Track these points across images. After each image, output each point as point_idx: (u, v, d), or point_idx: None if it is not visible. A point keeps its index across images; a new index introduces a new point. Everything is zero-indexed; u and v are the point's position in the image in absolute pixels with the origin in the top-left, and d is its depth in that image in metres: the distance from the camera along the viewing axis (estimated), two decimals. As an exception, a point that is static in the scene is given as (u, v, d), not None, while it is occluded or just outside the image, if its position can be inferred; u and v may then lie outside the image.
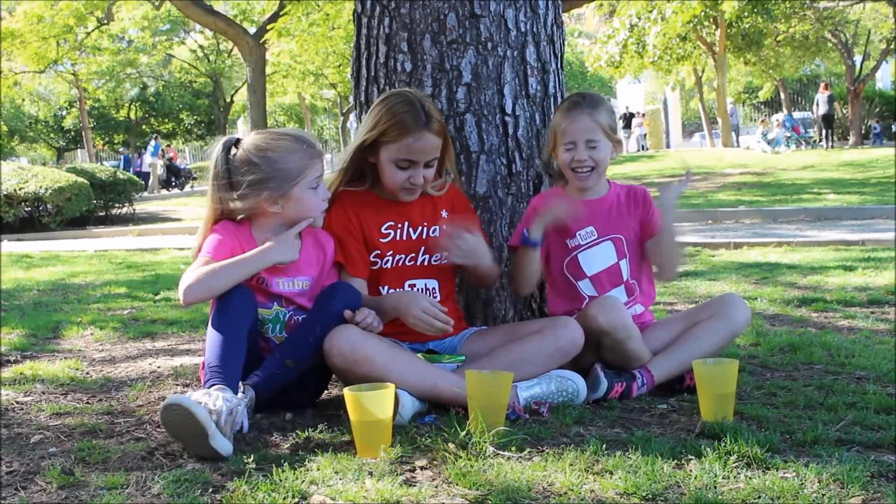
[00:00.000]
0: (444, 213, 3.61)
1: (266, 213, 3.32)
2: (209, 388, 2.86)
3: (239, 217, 3.37)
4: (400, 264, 3.53)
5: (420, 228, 3.57)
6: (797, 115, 35.64)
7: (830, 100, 31.21)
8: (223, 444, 2.69)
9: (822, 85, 33.42)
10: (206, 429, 2.64)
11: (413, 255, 3.55)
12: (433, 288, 3.57)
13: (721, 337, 3.51)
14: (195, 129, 53.29)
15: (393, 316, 3.31)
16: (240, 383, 2.99)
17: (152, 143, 36.76)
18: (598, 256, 3.65)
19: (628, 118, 40.40)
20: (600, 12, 35.37)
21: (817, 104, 31.30)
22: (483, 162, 3.86)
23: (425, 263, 3.57)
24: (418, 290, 3.54)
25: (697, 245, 9.96)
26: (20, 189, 19.89)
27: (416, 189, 3.49)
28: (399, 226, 3.55)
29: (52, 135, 54.94)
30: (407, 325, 3.27)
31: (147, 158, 35.62)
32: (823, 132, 31.10)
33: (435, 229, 3.57)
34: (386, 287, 3.51)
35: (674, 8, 28.41)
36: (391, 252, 3.53)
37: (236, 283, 3.12)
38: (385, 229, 3.54)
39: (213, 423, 2.67)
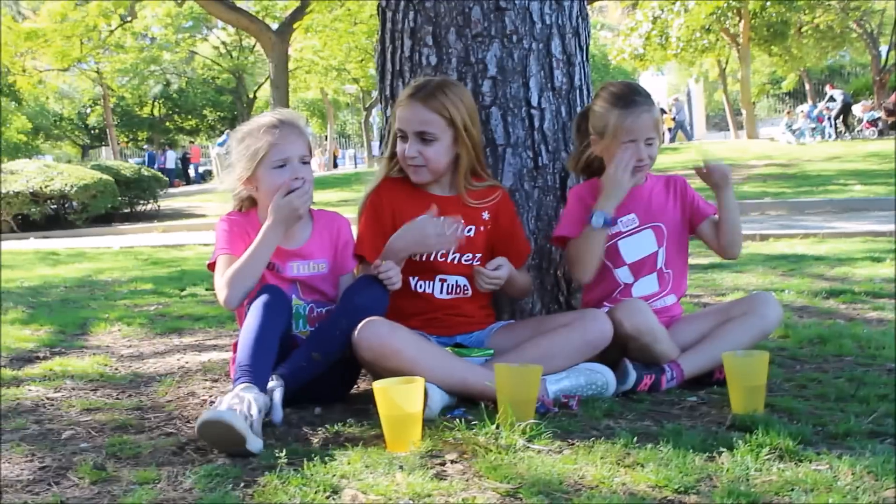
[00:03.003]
0: (485, 216, 3.58)
1: (258, 199, 3.39)
2: (237, 385, 2.87)
3: (242, 207, 3.48)
4: (432, 259, 3.49)
5: (455, 225, 3.50)
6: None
7: (843, 94, 31.03)
8: (256, 445, 2.69)
9: (829, 85, 33.45)
10: (244, 438, 2.65)
11: (443, 252, 3.52)
12: (464, 285, 3.55)
13: (753, 335, 3.48)
14: (218, 126, 53.45)
15: (406, 258, 3.38)
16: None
17: (223, 136, 37.01)
18: (638, 244, 3.63)
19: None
20: (623, 4, 35.30)
21: (832, 98, 30.93)
22: (509, 155, 3.85)
23: (455, 262, 3.53)
24: (449, 285, 3.53)
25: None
26: (46, 187, 20.06)
27: (415, 167, 3.47)
28: None
29: (76, 132, 55.32)
30: (431, 249, 3.36)
31: (214, 149, 35.84)
32: (834, 123, 30.63)
33: (471, 229, 3.52)
34: (416, 279, 3.49)
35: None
36: None
37: (263, 266, 3.23)
38: None
39: (249, 430, 2.68)
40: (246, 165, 3.31)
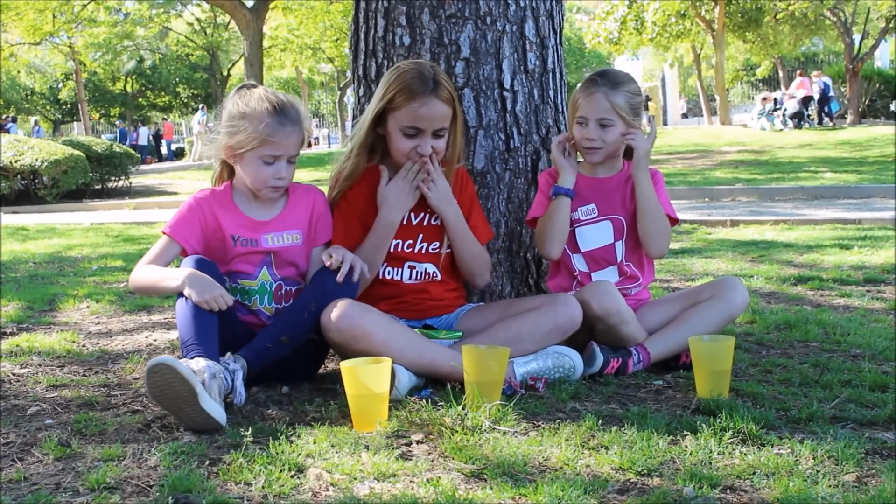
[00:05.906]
0: None
1: (237, 171, 3.37)
2: (189, 359, 2.86)
3: (221, 178, 3.46)
4: (399, 250, 3.50)
5: (422, 215, 3.52)
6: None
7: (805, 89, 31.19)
8: (213, 407, 2.68)
9: (799, 73, 33.61)
10: (193, 386, 2.63)
11: (411, 241, 3.51)
12: (433, 272, 3.55)
13: (719, 319, 3.51)
14: (192, 103, 53.10)
15: (395, 225, 3.43)
16: (230, 354, 3.00)
17: (199, 112, 36.74)
18: (594, 234, 3.64)
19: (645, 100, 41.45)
20: (599, -12, 35.25)
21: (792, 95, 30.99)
22: (481, 137, 3.84)
23: (423, 252, 3.54)
24: (418, 272, 3.53)
25: (694, 222, 9.96)
26: (16, 161, 19.86)
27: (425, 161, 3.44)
28: None
29: (48, 107, 54.81)
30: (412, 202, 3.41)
31: (194, 126, 35.66)
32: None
33: (437, 218, 3.51)
34: (385, 265, 3.49)
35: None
36: None
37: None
38: None
39: (199, 382, 2.67)
40: (237, 144, 3.28)
